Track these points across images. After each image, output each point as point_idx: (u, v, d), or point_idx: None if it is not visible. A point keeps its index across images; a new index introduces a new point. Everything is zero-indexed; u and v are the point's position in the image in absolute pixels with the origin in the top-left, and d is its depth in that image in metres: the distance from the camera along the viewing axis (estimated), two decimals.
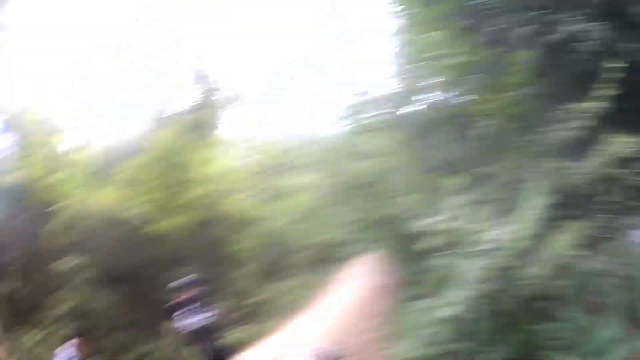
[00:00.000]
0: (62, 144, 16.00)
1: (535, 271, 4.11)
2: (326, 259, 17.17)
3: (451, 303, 3.99)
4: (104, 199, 14.37)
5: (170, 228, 12.29)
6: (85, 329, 12.49)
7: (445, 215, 5.05)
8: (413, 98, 7.17)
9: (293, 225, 14.58)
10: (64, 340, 4.58)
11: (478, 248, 4.24)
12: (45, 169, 15.11)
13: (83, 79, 15.77)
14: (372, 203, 9.19)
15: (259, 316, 13.72)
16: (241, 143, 17.61)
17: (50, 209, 14.42)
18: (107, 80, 15.27)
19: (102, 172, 16.03)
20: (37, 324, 12.80)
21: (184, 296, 5.04)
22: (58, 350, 4.64)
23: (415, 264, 7.65)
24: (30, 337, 12.08)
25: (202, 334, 4.96)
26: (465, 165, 6.28)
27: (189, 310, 4.99)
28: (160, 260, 14.33)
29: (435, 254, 5.11)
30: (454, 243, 4.71)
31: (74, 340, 4.59)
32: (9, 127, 14.88)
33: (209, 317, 5.02)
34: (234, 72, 16.54)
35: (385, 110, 7.73)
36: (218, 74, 12.03)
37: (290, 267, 16.53)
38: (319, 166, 11.66)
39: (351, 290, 12.01)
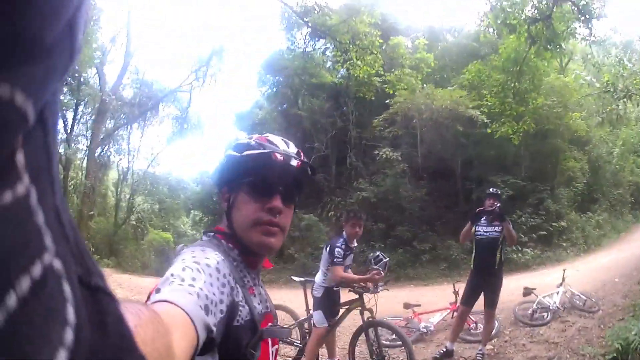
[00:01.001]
0: (400, 44, 16.62)
1: None
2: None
3: None
4: (443, 97, 15.02)
5: (506, 133, 12.45)
6: (382, 217, 14.18)
7: None
8: None
9: (621, 156, 13.89)
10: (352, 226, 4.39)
11: None
12: (379, 66, 16.28)
13: None
14: None
15: (551, 241, 13.64)
16: (590, 59, 17.00)
17: (386, 101, 15.34)
18: None
19: (441, 71, 17.30)
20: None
21: (488, 204, 5.01)
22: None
23: None
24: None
25: (490, 245, 4.98)
26: None
27: (486, 219, 5.01)
28: (482, 164, 15.09)
29: None
30: None
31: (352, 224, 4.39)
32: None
33: (501, 230, 4.95)
34: None
35: None
36: None
37: (604, 200, 15.75)
38: None
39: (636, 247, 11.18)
